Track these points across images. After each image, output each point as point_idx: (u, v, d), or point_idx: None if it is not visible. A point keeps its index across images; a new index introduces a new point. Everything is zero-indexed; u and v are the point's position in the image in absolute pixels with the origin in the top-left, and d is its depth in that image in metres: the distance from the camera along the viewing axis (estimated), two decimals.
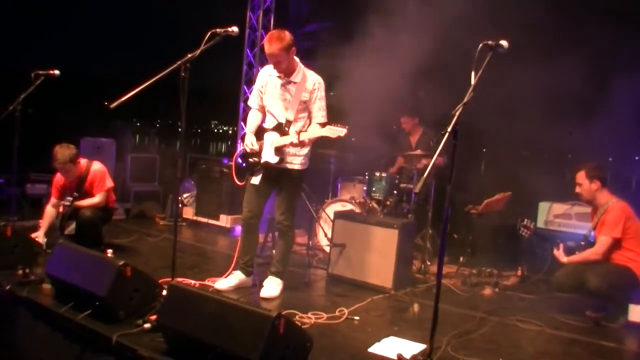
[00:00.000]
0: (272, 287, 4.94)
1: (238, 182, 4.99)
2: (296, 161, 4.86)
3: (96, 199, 5.83)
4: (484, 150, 8.86)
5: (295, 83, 4.77)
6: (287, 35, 4.60)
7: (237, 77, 9.15)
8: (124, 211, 8.18)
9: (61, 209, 5.76)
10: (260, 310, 3.22)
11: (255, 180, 4.89)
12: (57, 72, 5.45)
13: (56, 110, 8.14)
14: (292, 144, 4.66)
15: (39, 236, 5.65)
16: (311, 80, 4.79)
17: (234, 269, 5.09)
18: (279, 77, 4.79)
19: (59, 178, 5.89)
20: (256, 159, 4.88)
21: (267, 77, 4.88)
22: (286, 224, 4.93)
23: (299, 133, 4.64)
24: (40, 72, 5.41)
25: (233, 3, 8.55)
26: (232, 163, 5.13)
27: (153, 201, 8.69)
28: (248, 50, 8.78)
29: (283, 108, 4.81)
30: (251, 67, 8.85)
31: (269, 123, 4.91)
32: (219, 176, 7.74)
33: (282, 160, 4.79)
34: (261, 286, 4.98)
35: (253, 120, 5.02)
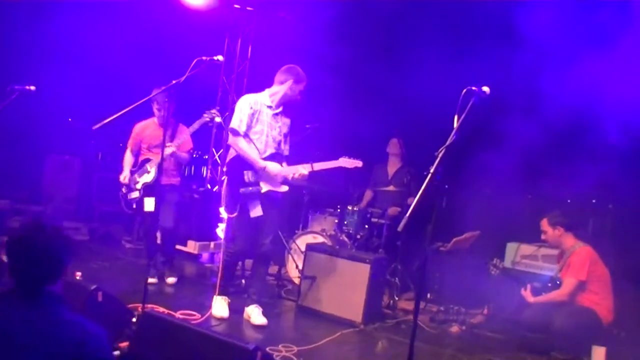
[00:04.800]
0: (260, 315, 4.99)
1: (229, 214, 4.91)
2: (285, 188, 5.00)
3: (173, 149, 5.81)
4: (446, 186, 8.98)
5: (283, 116, 5.05)
6: None
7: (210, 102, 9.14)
8: (88, 231, 8.03)
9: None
10: (238, 342, 3.19)
11: (258, 212, 4.83)
12: (32, 87, 5.33)
13: (19, 125, 7.97)
14: (303, 175, 4.85)
15: (125, 177, 5.88)
16: (288, 114, 5.09)
17: (220, 293, 5.05)
18: (270, 107, 4.95)
19: (140, 130, 5.98)
20: (254, 189, 4.83)
21: (259, 105, 4.93)
22: (271, 249, 5.13)
23: (312, 163, 4.82)
24: (16, 86, 5.29)
25: (213, 29, 8.58)
26: (223, 193, 5.00)
27: (119, 223, 8.54)
28: (224, 77, 8.80)
29: (277, 139, 5.00)
30: (226, 94, 8.86)
31: (258, 152, 4.90)
32: (188, 201, 7.67)
33: (286, 189, 4.97)
34: (245, 317, 5.06)
35: (251, 148, 4.88)
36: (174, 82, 4.17)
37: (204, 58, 4.29)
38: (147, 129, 5.99)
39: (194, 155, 8.40)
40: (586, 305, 4.90)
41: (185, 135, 5.82)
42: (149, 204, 5.47)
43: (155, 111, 5.90)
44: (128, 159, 6.02)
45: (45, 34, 7.60)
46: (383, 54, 7.85)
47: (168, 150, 5.52)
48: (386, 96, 7.73)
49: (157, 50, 8.17)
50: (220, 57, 4.39)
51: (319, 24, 7.15)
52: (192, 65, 4.22)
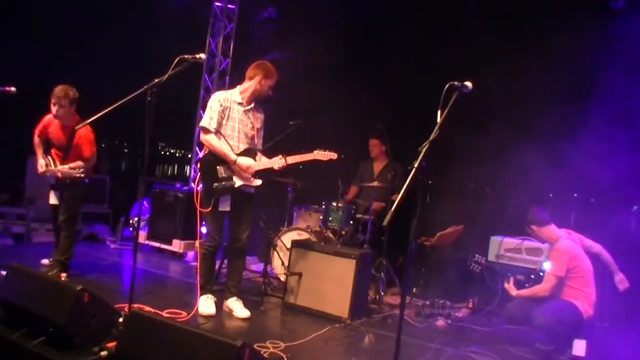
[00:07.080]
0: (242, 307, 5.14)
1: (203, 210, 4.93)
2: (258, 182, 5.08)
3: (80, 162, 5.62)
4: (430, 182, 9.02)
5: (255, 111, 5.11)
6: None
7: (192, 101, 9.12)
8: None
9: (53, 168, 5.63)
10: (225, 339, 3.19)
11: (227, 206, 4.94)
12: (13, 89, 5.28)
13: None
14: (280, 168, 4.96)
15: (42, 165, 5.66)
16: (260, 109, 5.18)
17: (204, 292, 5.12)
18: (241, 103, 5.03)
19: (48, 120, 5.72)
20: (228, 184, 4.91)
21: (229, 102, 4.99)
22: (246, 244, 5.15)
23: (285, 157, 4.93)
24: None
25: (194, 28, 8.56)
26: (196, 189, 5.03)
27: (102, 223, 8.50)
28: (206, 76, 8.77)
29: (249, 135, 5.07)
30: (208, 92, 8.84)
31: (230, 149, 4.98)
32: (173, 200, 7.65)
33: (260, 183, 5.04)
34: (225, 310, 5.18)
35: (223, 144, 4.95)
36: (156, 80, 4.13)
37: (186, 56, 4.26)
38: (51, 126, 5.72)
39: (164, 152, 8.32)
40: (567, 299, 4.95)
41: (82, 142, 5.63)
42: (53, 198, 5.72)
43: (52, 108, 5.57)
44: (38, 144, 5.81)
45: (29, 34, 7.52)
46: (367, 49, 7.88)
47: (61, 169, 5.52)
48: (371, 91, 7.75)
49: (139, 49, 8.12)
50: (202, 55, 4.36)
51: (302, 21, 7.16)
52: (174, 63, 4.21)
